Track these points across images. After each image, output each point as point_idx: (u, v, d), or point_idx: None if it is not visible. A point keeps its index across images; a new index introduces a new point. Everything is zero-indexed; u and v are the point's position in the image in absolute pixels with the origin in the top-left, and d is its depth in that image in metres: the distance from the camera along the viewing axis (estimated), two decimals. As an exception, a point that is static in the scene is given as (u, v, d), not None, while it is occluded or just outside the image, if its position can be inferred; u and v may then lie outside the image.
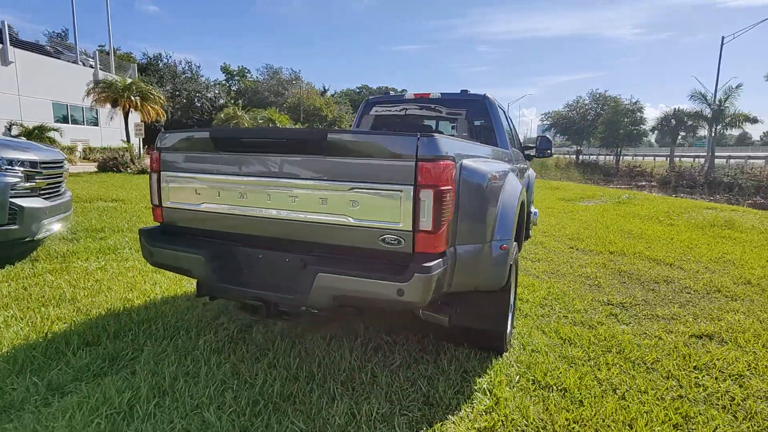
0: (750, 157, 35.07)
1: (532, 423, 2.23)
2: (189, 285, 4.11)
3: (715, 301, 4.19)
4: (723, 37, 31.04)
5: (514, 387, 2.57)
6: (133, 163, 15.82)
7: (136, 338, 2.96)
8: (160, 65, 46.45)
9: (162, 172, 2.73)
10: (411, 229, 2.16)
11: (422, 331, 3.22)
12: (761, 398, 2.52)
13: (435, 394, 2.46)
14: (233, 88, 56.49)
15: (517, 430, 2.19)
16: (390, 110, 5.07)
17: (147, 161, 17.21)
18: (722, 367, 2.85)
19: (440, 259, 2.18)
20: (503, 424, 2.22)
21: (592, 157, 48.97)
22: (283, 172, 2.38)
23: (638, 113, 39.11)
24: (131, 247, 5.42)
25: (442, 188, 2.11)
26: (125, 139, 21.35)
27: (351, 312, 2.61)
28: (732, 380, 2.70)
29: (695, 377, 2.72)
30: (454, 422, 2.23)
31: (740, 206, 13.37)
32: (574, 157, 47.83)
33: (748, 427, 2.24)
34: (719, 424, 2.25)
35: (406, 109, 5.00)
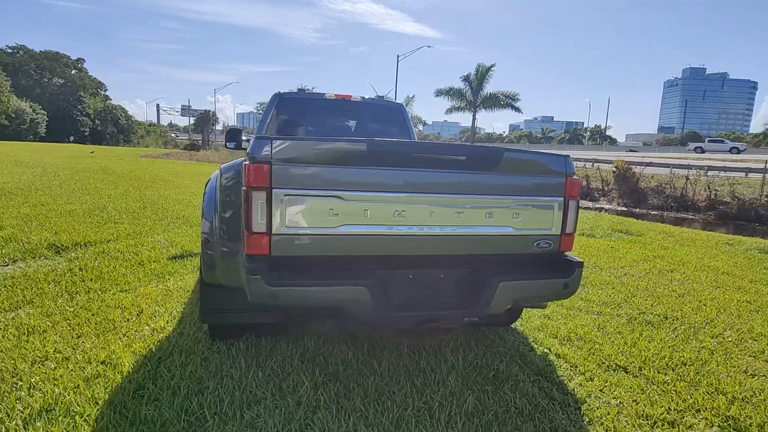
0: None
1: (605, 363, 3.09)
2: (122, 333, 2.99)
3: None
4: (398, 56, 39.89)
5: (555, 344, 3.36)
6: None
7: (225, 425, 2.16)
8: None
9: (274, 190, 2.12)
10: (559, 233, 2.61)
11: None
12: (669, 317, 4.17)
13: (538, 366, 2.98)
14: None
15: (600, 367, 3.00)
16: (309, 108, 4.86)
17: None
18: (620, 302, 4.46)
19: None
20: (598, 369, 2.98)
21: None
22: (454, 188, 2.36)
23: (343, 111, 45.34)
24: None
25: (578, 198, 2.66)
26: None
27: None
28: (636, 307, 4.31)
29: (614, 310, 4.20)
30: (575, 377, 2.85)
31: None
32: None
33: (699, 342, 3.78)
34: (677, 335, 3.68)
35: (327, 110, 4.91)
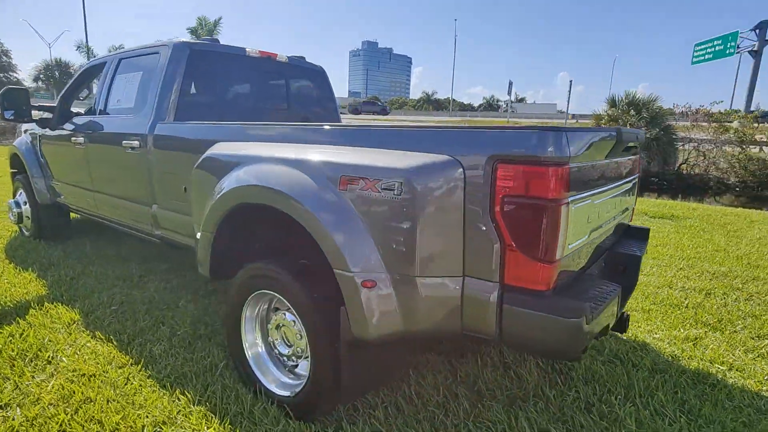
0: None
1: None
2: None
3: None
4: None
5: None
6: None
7: None
8: None
9: (571, 199, 1.61)
10: (633, 206, 2.93)
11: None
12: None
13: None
14: None
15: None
16: (229, 69, 3.54)
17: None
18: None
19: None
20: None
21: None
22: (623, 176, 2.31)
23: (5, 58, 33.38)
24: None
25: (637, 174, 3.01)
26: None
27: None
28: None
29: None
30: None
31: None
32: None
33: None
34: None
35: (251, 72, 3.71)
